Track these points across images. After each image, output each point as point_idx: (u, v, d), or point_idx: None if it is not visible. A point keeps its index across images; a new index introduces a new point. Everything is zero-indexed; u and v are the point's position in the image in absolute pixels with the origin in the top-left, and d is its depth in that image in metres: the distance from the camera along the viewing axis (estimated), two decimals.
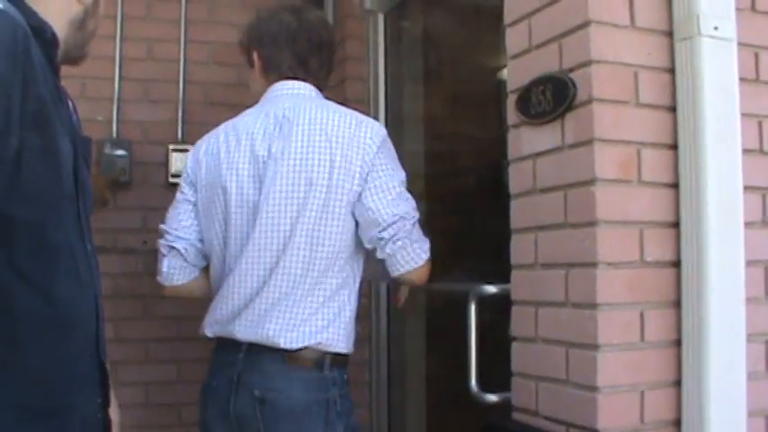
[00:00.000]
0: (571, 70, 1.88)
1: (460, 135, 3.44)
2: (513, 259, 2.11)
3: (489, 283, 2.27)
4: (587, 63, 1.83)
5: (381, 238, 2.12)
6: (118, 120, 3.45)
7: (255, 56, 2.37)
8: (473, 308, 2.27)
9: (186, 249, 2.30)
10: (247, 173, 2.19)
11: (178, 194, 2.35)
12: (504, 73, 2.23)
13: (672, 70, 1.88)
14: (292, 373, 2.10)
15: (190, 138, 3.54)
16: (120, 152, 3.38)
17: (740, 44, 1.89)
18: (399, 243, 2.14)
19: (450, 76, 3.51)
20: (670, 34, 1.89)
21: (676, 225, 1.86)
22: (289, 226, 2.12)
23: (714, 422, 1.78)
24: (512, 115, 2.11)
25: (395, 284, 2.44)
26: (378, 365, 3.39)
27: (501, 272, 2.17)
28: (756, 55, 1.97)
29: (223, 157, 2.24)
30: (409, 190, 2.26)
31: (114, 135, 3.43)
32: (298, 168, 2.12)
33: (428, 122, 3.54)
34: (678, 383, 1.84)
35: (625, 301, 1.81)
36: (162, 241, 2.33)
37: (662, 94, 1.88)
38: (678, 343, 1.85)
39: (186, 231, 2.31)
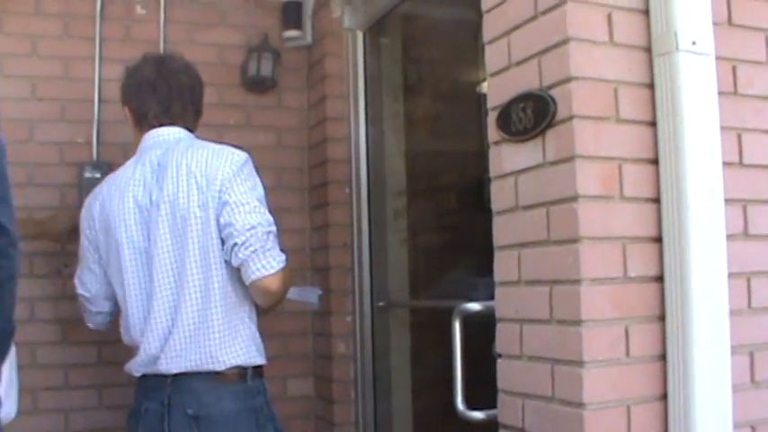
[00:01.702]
0: (551, 87, 1.89)
1: (441, 151, 3.45)
2: (497, 276, 2.11)
3: (473, 300, 2.27)
4: (567, 80, 1.84)
5: (234, 244, 2.24)
6: (98, 142, 3.43)
7: (127, 111, 2.55)
8: (458, 326, 2.27)
9: (109, 309, 2.58)
10: (134, 222, 2.35)
11: (82, 250, 2.54)
12: (484, 88, 2.24)
13: (651, 85, 1.89)
14: (220, 388, 2.28)
15: None
16: (100, 175, 3.36)
17: (718, 58, 1.91)
18: (251, 249, 2.23)
19: (430, 93, 3.52)
20: (649, 50, 1.90)
21: (659, 240, 1.87)
22: (178, 264, 2.29)
23: None
24: (492, 133, 2.12)
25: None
26: (363, 384, 3.38)
27: (486, 288, 2.17)
28: (734, 68, 1.99)
29: (109, 211, 2.40)
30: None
31: (94, 158, 3.41)
32: (172, 209, 2.29)
33: (409, 139, 3.55)
34: (664, 397, 1.84)
35: (609, 317, 1.81)
36: (86, 303, 2.58)
37: (642, 110, 1.89)
38: (663, 357, 1.85)
39: (99, 292, 2.53)
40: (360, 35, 3.53)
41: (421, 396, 3.36)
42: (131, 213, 2.36)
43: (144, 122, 2.48)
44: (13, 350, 2.27)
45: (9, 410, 2.29)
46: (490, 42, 2.12)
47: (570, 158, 1.83)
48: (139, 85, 2.48)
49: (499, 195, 2.10)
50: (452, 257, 3.26)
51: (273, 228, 2.32)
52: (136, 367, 2.38)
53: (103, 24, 3.48)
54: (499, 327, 2.09)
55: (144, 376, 2.37)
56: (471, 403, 2.19)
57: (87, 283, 2.54)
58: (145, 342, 2.33)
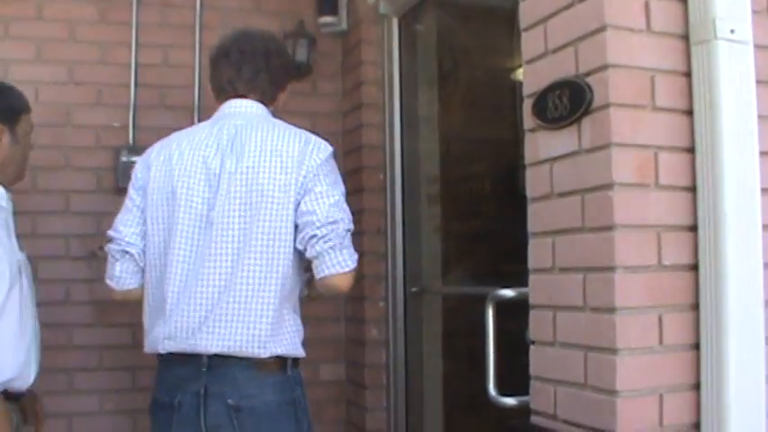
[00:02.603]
0: (587, 75, 1.89)
1: (475, 138, 3.44)
2: (531, 263, 2.11)
3: (506, 286, 2.28)
4: (604, 67, 1.83)
5: (314, 236, 2.17)
6: (134, 126, 3.47)
7: (211, 85, 2.49)
8: (490, 312, 2.28)
9: (139, 255, 2.34)
10: (199, 185, 2.25)
11: (127, 200, 2.39)
12: (519, 75, 2.24)
13: (688, 74, 1.88)
14: (262, 378, 2.19)
15: None
16: (136, 159, 3.39)
17: (757, 46, 1.89)
18: (330, 243, 2.18)
19: (465, 79, 3.52)
20: (686, 38, 1.89)
21: (694, 228, 1.86)
22: (242, 239, 2.19)
23: (733, 425, 1.78)
24: (528, 120, 2.12)
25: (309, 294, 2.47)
26: (395, 369, 3.40)
27: (519, 275, 2.17)
28: None
29: (175, 164, 2.29)
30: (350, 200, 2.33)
31: (131, 142, 3.45)
32: (249, 183, 2.21)
33: (443, 126, 3.55)
34: (697, 387, 1.84)
35: (643, 304, 1.81)
36: (113, 246, 2.36)
37: (679, 98, 1.88)
38: (697, 346, 1.85)
39: (136, 237, 2.34)
40: (395, 21, 3.53)
41: (453, 382, 3.38)
42: (198, 174, 2.25)
43: (221, 93, 2.42)
44: (31, 322, 2.37)
45: (27, 377, 2.34)
46: (527, 29, 2.12)
47: (606, 146, 1.83)
48: (217, 52, 2.45)
49: (534, 182, 2.10)
50: (485, 244, 3.26)
51: (352, 226, 2.27)
52: (161, 339, 2.22)
53: (140, 9, 3.52)
54: (532, 313, 2.10)
55: (170, 363, 2.23)
56: (504, 390, 2.20)
57: (120, 223, 2.36)
58: (180, 310, 2.19)
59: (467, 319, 3.11)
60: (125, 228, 2.35)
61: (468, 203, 3.47)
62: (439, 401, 3.42)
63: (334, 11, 3.65)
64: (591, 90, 1.86)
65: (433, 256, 3.51)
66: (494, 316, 2.27)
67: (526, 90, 2.13)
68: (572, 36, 1.94)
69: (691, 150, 1.88)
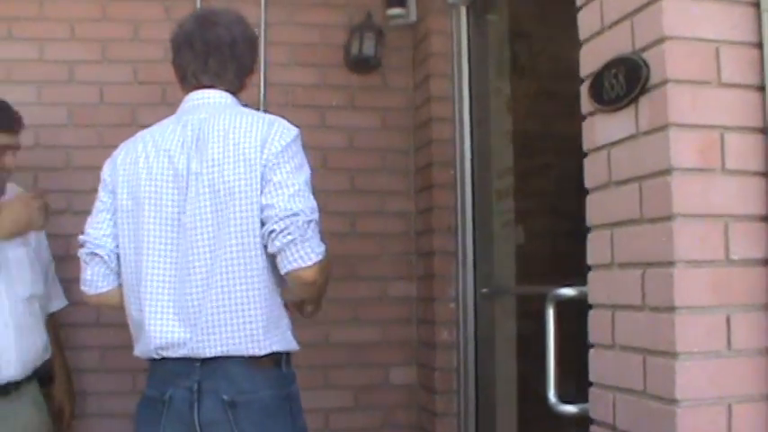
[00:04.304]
0: (644, 50, 1.71)
1: (551, 131, 3.27)
2: (590, 259, 1.94)
3: (569, 285, 2.11)
4: (660, 40, 1.65)
5: (272, 231, 2.04)
6: None
7: (173, 69, 2.33)
8: (551, 313, 2.12)
9: (109, 256, 2.23)
10: (168, 187, 2.15)
11: (97, 202, 2.29)
12: None
13: (759, 45, 1.68)
14: (257, 374, 2.11)
15: None
16: None
17: None
18: (290, 237, 2.03)
19: (536, 70, 3.34)
20: (757, 5, 1.69)
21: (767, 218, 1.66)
22: (215, 240, 2.09)
23: None
24: (585, 103, 1.95)
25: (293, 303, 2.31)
26: (465, 373, 3.25)
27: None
28: None
29: (142, 167, 2.19)
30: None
31: None
32: (215, 181, 2.09)
33: (516, 118, 3.38)
34: None
35: (707, 303, 1.62)
36: (83, 250, 2.26)
37: (748, 72, 1.68)
38: None
39: (106, 239, 2.24)
40: (463, 11, 3.39)
41: (526, 388, 3.20)
42: (165, 177, 2.15)
43: (185, 82, 2.29)
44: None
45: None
46: (582, 6, 1.96)
47: (664, 127, 1.64)
48: (179, 38, 2.29)
49: (592, 170, 1.93)
50: (560, 241, 3.08)
51: (316, 215, 2.09)
52: (152, 349, 2.15)
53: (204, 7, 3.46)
54: (591, 314, 1.93)
55: (163, 360, 2.15)
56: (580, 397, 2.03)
57: (89, 226, 2.27)
58: (162, 323, 2.12)
59: (540, 321, 2.93)
60: (93, 230, 2.26)
61: (543, 198, 3.30)
62: (512, 408, 3.25)
63: (402, 2, 3.53)
64: (647, 66, 1.68)
65: (505, 255, 3.34)
66: (555, 317, 2.12)
67: (583, 71, 1.97)
68: (628, 9, 1.76)
69: (763, 131, 1.68)
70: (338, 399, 3.46)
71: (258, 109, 3.44)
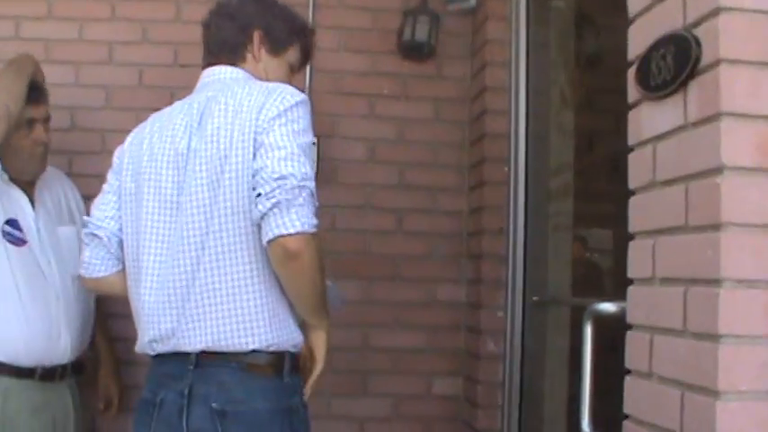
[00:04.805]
0: (696, 25, 1.43)
1: (613, 127, 2.97)
2: (630, 271, 1.67)
3: (609, 300, 1.85)
4: (714, 12, 1.38)
5: (258, 194, 1.83)
6: None
7: (204, 40, 2.20)
8: (589, 330, 1.88)
9: (109, 239, 2.11)
10: (166, 168, 2.01)
11: (104, 185, 2.19)
12: None
13: None
14: (252, 383, 1.92)
15: (315, 130, 3.27)
16: None
17: None
18: (274, 200, 1.80)
19: (605, 61, 3.05)
20: None
21: None
22: (207, 218, 1.92)
23: None
24: (631, 91, 1.68)
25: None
26: (510, 388, 2.98)
27: None
28: None
29: (145, 149, 2.06)
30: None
31: None
32: (212, 152, 1.93)
33: (577, 111, 3.09)
34: None
35: (760, 333, 1.33)
36: (84, 230, 2.16)
37: None
38: None
39: (109, 221, 2.12)
40: None
41: (573, 404, 2.91)
42: (164, 158, 2.01)
43: (205, 54, 2.18)
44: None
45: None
46: None
47: (715, 117, 1.37)
48: (210, 12, 2.19)
49: (636, 168, 1.67)
50: (623, 248, 2.78)
51: (309, 183, 1.85)
52: (149, 342, 2.01)
53: None
54: (629, 335, 1.66)
55: (160, 357, 2.01)
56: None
57: (93, 208, 2.17)
58: (157, 309, 1.97)
59: (599, 334, 2.65)
60: (97, 211, 2.15)
61: (605, 200, 3.00)
62: (560, 428, 2.96)
63: None
64: (698, 44, 1.41)
65: (560, 261, 3.06)
66: (593, 335, 1.86)
67: (631, 53, 1.70)
68: None
69: None
70: (375, 407, 3.24)
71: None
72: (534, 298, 2.98)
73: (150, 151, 2.04)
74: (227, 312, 1.90)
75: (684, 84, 1.45)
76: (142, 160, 2.06)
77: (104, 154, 3.19)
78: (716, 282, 1.34)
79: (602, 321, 1.87)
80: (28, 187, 2.63)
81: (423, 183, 3.35)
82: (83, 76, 3.29)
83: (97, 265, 2.14)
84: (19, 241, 2.52)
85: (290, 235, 1.79)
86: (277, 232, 1.80)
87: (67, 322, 2.56)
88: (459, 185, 3.36)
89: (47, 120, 2.65)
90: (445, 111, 3.38)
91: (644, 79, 1.60)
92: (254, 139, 1.88)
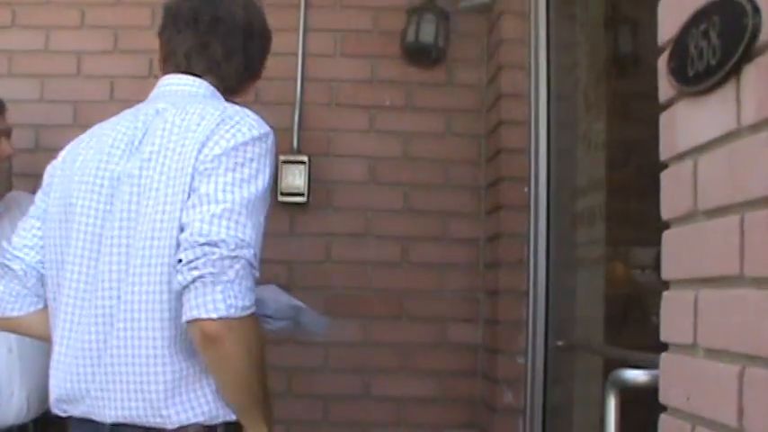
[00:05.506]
0: None
1: (652, 141, 2.53)
2: (664, 333, 1.23)
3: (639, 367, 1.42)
4: None
5: (180, 260, 1.52)
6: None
7: (159, 45, 1.88)
8: (612, 402, 1.48)
9: (25, 272, 1.78)
10: (97, 192, 1.68)
11: (31, 207, 1.87)
12: None
13: None
14: None
15: (306, 147, 2.96)
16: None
17: None
18: (196, 273, 1.47)
19: (640, 59, 2.62)
20: None
21: None
22: (125, 262, 1.61)
23: None
24: (663, 86, 1.25)
25: None
26: None
27: None
28: None
29: (77, 168, 1.73)
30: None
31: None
32: (141, 185, 1.63)
33: (608, 123, 2.66)
34: None
35: None
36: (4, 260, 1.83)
37: None
38: None
39: (27, 251, 1.79)
40: None
41: None
42: (96, 181, 1.69)
43: (166, 63, 1.85)
44: None
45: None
46: None
47: None
48: (180, 9, 1.84)
49: (670, 193, 1.24)
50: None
51: (247, 251, 1.52)
52: (53, 401, 1.72)
53: None
54: (662, 419, 1.22)
55: (71, 421, 1.70)
56: None
57: (20, 248, 1.83)
58: (68, 366, 1.67)
59: (635, 392, 2.22)
60: (17, 237, 1.83)
61: (643, 225, 2.56)
62: None
63: None
64: (756, 9, 0.97)
65: (589, 299, 2.62)
66: (617, 407, 1.46)
67: (661, 36, 1.27)
68: None
69: None
70: None
71: (294, 108, 2.94)
72: (558, 342, 2.56)
73: (82, 171, 1.72)
74: (144, 385, 1.59)
75: (736, 70, 1.01)
76: (72, 180, 1.73)
77: None
78: None
79: (630, 392, 1.44)
80: None
81: (431, 207, 3.02)
82: (48, 90, 3.06)
83: (10, 303, 1.80)
84: None
85: (211, 319, 1.47)
86: (195, 314, 1.48)
87: (23, 377, 2.28)
88: (474, 209, 3.01)
89: (8, 133, 2.43)
90: (457, 123, 3.04)
91: (679, 68, 1.16)
92: (193, 177, 1.58)
